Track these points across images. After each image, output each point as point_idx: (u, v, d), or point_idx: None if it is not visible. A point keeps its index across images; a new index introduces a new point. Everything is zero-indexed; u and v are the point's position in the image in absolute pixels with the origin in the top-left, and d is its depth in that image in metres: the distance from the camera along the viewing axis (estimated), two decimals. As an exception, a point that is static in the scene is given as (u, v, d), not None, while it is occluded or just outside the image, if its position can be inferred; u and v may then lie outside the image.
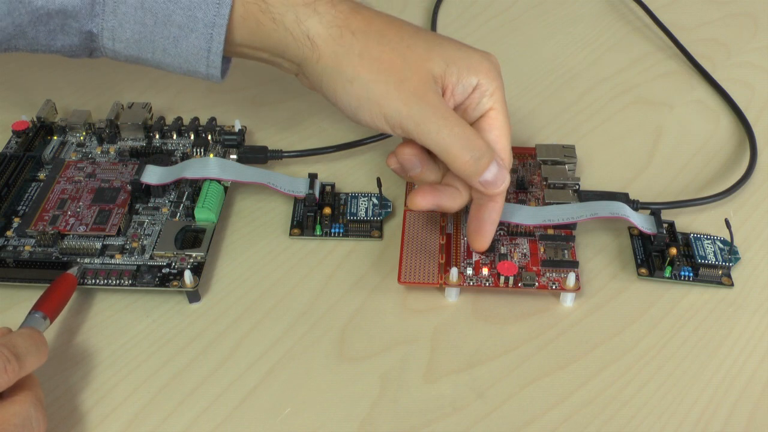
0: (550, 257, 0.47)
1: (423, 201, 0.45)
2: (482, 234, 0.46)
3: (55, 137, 0.56)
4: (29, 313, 0.41)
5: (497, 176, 0.43)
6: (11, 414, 0.35)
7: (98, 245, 0.47)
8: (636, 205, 0.50)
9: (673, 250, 0.47)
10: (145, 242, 0.48)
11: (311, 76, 0.44)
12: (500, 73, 0.45)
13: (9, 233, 0.48)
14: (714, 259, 0.47)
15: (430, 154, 0.45)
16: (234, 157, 0.54)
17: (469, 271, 0.47)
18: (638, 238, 0.50)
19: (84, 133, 0.56)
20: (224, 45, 0.43)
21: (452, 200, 0.45)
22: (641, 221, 0.49)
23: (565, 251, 0.48)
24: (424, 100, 0.42)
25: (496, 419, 0.40)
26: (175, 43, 0.43)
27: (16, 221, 0.49)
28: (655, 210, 0.49)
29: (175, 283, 0.45)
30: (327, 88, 0.44)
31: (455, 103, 0.44)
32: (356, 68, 0.42)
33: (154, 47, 0.43)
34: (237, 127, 0.56)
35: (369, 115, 0.43)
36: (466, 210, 0.51)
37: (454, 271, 0.46)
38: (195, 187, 0.52)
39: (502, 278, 0.46)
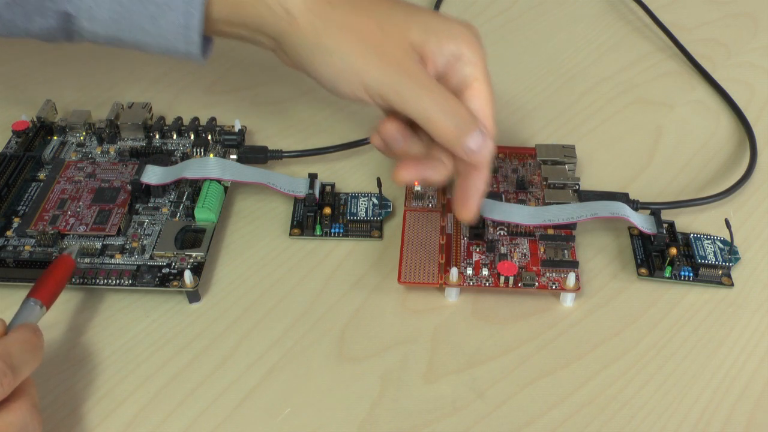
0: (550, 257, 0.47)
1: (407, 174, 0.44)
2: (468, 205, 0.45)
3: (55, 137, 0.56)
4: (24, 300, 0.40)
5: (481, 144, 0.42)
6: (7, 424, 0.34)
7: (98, 245, 0.47)
8: (636, 205, 0.50)
9: (673, 250, 0.47)
10: (145, 242, 0.48)
11: (289, 51, 0.43)
12: (482, 43, 0.44)
13: (9, 233, 0.48)
14: (714, 259, 0.47)
15: (412, 128, 0.44)
16: (234, 157, 0.54)
17: (469, 271, 0.47)
18: (638, 238, 0.50)
19: (84, 133, 0.56)
20: (203, 21, 0.42)
21: (437, 172, 0.44)
22: (641, 221, 0.49)
23: (565, 251, 0.48)
24: (404, 68, 0.42)
25: (496, 419, 0.40)
26: (152, 21, 0.42)
27: (16, 221, 0.49)
28: (655, 210, 0.49)
29: (175, 283, 0.45)
30: (306, 61, 0.43)
31: (437, 72, 0.43)
32: (335, 40, 0.42)
33: (132, 26, 0.42)
34: (237, 127, 0.56)
35: (348, 87, 0.43)
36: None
37: (454, 271, 0.46)
38: (195, 187, 0.52)
39: (502, 278, 0.46)
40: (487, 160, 0.44)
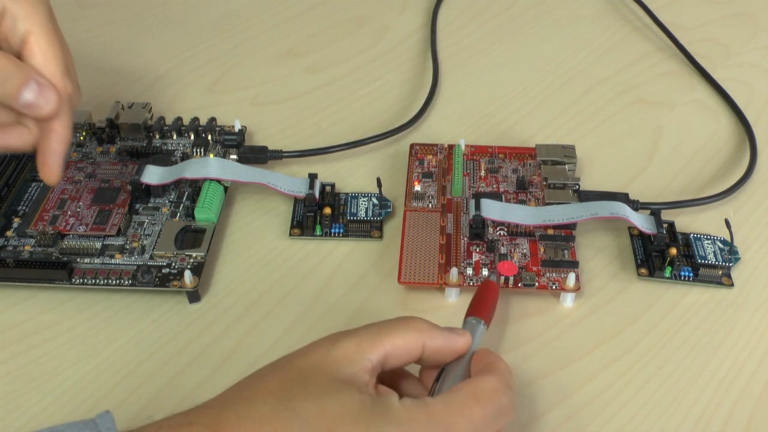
0: (550, 257, 0.47)
1: None
2: (46, 166, 0.43)
3: (55, 137, 0.56)
4: (468, 321, 0.40)
5: (40, 97, 0.41)
6: None
7: (98, 245, 0.47)
8: (636, 205, 0.50)
9: (673, 250, 0.47)
10: (145, 242, 0.48)
11: None
12: None
13: (9, 233, 0.48)
14: (714, 259, 0.47)
15: None
16: (234, 157, 0.54)
17: (469, 271, 0.47)
18: (638, 238, 0.50)
19: (84, 133, 0.56)
20: None
21: (20, 139, 0.43)
22: (641, 221, 0.49)
23: (565, 251, 0.48)
24: None
25: (496, 419, 0.40)
26: None
27: (16, 221, 0.49)
28: (655, 210, 0.49)
29: (175, 283, 0.45)
30: None
31: None
32: None
33: None
34: (237, 127, 0.56)
35: None
36: (466, 210, 0.51)
37: (454, 271, 0.46)
38: (195, 187, 0.52)
39: (502, 278, 0.46)
40: (53, 114, 0.42)
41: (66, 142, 0.44)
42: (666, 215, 0.50)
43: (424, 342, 0.36)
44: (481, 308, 0.41)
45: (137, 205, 0.50)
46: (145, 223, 0.49)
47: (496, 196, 0.51)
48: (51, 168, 0.43)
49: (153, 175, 0.51)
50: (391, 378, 0.37)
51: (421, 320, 0.37)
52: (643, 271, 0.48)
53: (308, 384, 0.33)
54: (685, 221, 0.52)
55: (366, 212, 0.50)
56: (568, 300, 0.46)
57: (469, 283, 0.46)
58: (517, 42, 0.69)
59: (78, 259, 0.47)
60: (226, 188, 0.52)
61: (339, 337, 0.35)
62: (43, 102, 0.41)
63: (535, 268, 0.47)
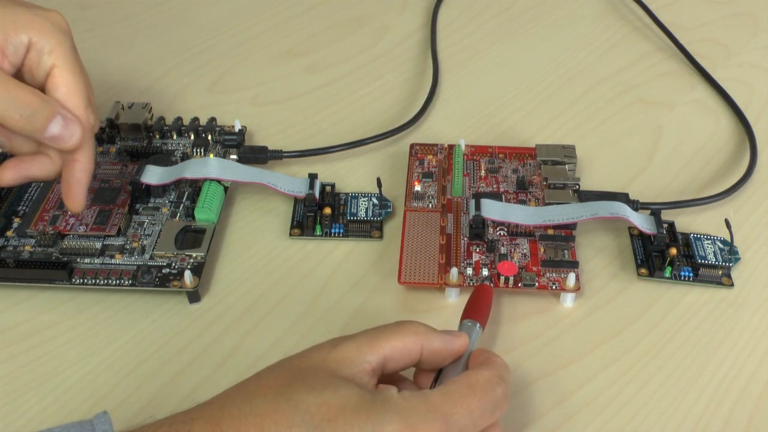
0: (550, 257, 0.47)
1: (8, 175, 0.44)
2: (71, 195, 0.44)
3: (55, 137, 0.56)
4: (463, 323, 0.41)
5: (65, 130, 0.42)
6: None
7: (98, 245, 0.47)
8: (636, 205, 0.50)
9: (673, 250, 0.47)
10: (145, 242, 0.48)
11: None
12: (65, 29, 0.43)
13: (9, 233, 0.48)
14: (714, 259, 0.47)
15: None
16: (234, 157, 0.54)
17: (469, 271, 0.47)
18: (638, 238, 0.50)
19: (84, 133, 0.56)
20: None
21: (43, 168, 0.44)
22: (641, 221, 0.49)
23: (565, 251, 0.48)
24: None
25: (496, 419, 0.40)
26: None
27: (16, 221, 0.49)
28: (655, 210, 0.49)
29: (175, 283, 0.45)
30: None
31: (13, 66, 0.42)
32: None
33: None
34: (237, 127, 0.56)
35: None
36: (466, 210, 0.51)
37: (454, 271, 0.46)
38: (195, 187, 0.52)
39: (502, 278, 0.46)
40: (77, 146, 0.43)
41: (89, 171, 0.45)
42: (666, 215, 0.50)
43: (423, 344, 0.37)
44: (476, 311, 0.41)
45: (137, 205, 0.50)
46: (145, 223, 0.49)
47: (496, 196, 0.51)
48: (75, 197, 0.45)
49: (153, 175, 0.51)
50: (389, 382, 0.37)
51: (419, 323, 0.37)
52: (643, 271, 0.48)
53: (308, 380, 0.34)
54: (685, 221, 0.52)
55: (366, 212, 0.50)
56: (568, 300, 0.46)
57: (469, 283, 0.46)
58: (517, 42, 0.69)
59: (78, 259, 0.47)
60: (226, 188, 0.52)
61: (339, 340, 0.36)
62: (68, 135, 0.43)
63: (535, 268, 0.47)
